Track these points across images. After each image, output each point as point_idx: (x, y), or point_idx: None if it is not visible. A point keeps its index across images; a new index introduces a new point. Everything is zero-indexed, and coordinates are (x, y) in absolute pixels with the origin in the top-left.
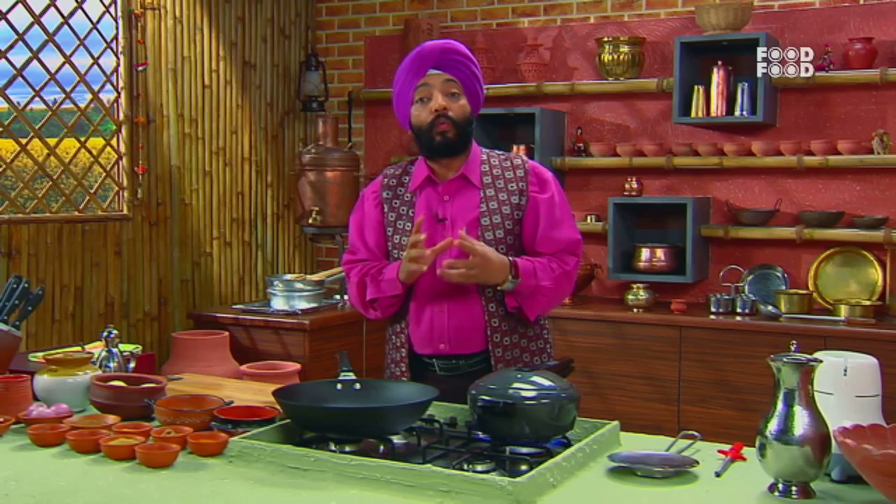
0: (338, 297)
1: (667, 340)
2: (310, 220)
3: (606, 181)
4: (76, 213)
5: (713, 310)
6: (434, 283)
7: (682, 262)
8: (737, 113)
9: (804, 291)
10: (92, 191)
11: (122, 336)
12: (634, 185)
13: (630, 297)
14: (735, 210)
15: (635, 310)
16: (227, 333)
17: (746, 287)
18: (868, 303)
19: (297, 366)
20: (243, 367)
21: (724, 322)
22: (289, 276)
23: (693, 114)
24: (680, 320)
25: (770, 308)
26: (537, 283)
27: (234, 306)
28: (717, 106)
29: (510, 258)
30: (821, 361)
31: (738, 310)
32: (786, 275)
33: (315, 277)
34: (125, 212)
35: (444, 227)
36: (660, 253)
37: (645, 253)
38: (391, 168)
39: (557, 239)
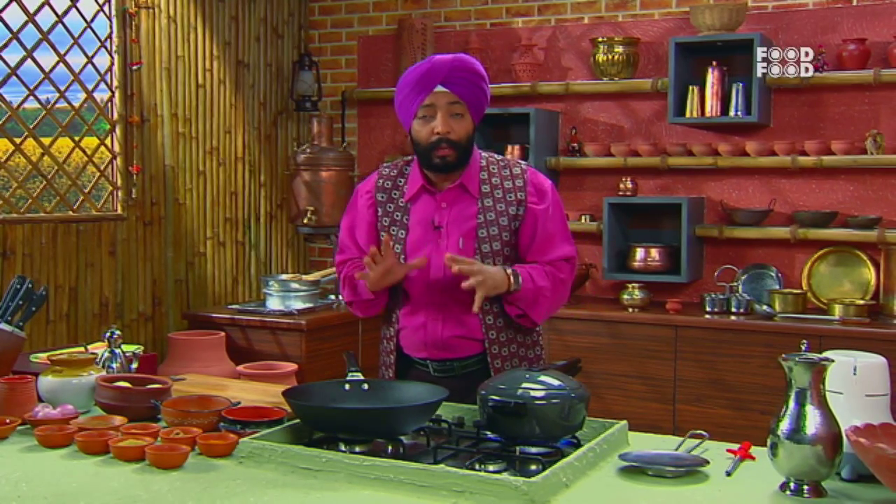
0: (333, 297)
1: (662, 340)
2: (305, 220)
3: (601, 181)
4: (70, 212)
5: (708, 309)
6: (428, 291)
7: (677, 262)
8: (731, 113)
9: (798, 291)
10: (86, 190)
11: None
12: (629, 185)
13: (625, 296)
14: (729, 210)
15: (630, 309)
16: (223, 334)
17: (741, 287)
18: (862, 302)
19: (294, 366)
20: (240, 368)
21: (719, 321)
22: (284, 276)
23: (687, 114)
24: (675, 320)
25: (765, 307)
26: (535, 284)
27: (230, 306)
28: (711, 106)
29: (503, 266)
30: (832, 361)
31: (733, 309)
32: (780, 274)
33: (311, 277)
34: (119, 211)
35: (439, 235)
36: (654, 253)
37: (640, 253)
38: (387, 167)
39: (553, 252)
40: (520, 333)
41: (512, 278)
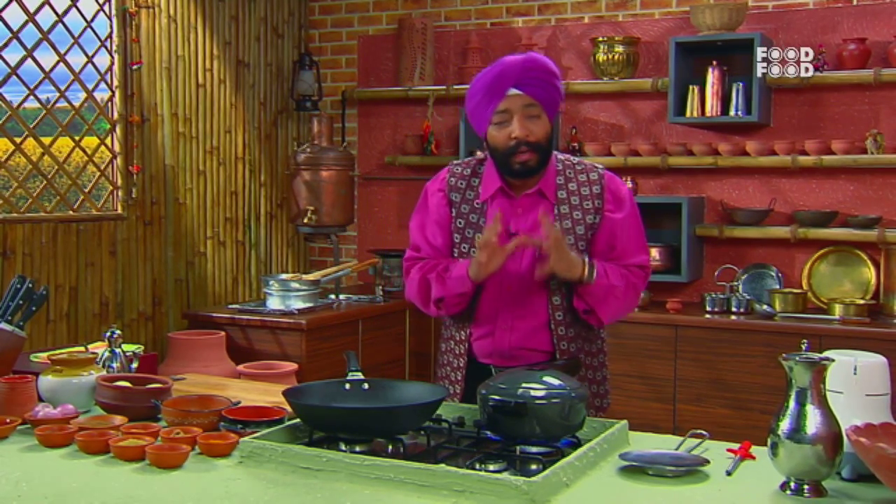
0: (333, 296)
1: (662, 339)
2: (305, 220)
3: None
4: (71, 212)
5: (708, 309)
6: (500, 299)
7: (677, 262)
8: (731, 113)
9: (798, 291)
10: (86, 190)
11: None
12: (629, 185)
13: None
14: (729, 209)
15: None
16: (223, 333)
17: (741, 286)
18: (862, 302)
19: (294, 366)
20: (240, 367)
21: (719, 321)
22: (285, 276)
23: (688, 114)
24: (675, 319)
25: (765, 307)
26: (609, 281)
27: (230, 306)
28: (711, 106)
29: (583, 256)
30: (833, 360)
31: (733, 309)
32: (780, 274)
33: (311, 277)
34: (119, 211)
35: None
36: (655, 252)
37: None
38: (458, 166)
39: (625, 260)
40: (586, 343)
41: (587, 268)
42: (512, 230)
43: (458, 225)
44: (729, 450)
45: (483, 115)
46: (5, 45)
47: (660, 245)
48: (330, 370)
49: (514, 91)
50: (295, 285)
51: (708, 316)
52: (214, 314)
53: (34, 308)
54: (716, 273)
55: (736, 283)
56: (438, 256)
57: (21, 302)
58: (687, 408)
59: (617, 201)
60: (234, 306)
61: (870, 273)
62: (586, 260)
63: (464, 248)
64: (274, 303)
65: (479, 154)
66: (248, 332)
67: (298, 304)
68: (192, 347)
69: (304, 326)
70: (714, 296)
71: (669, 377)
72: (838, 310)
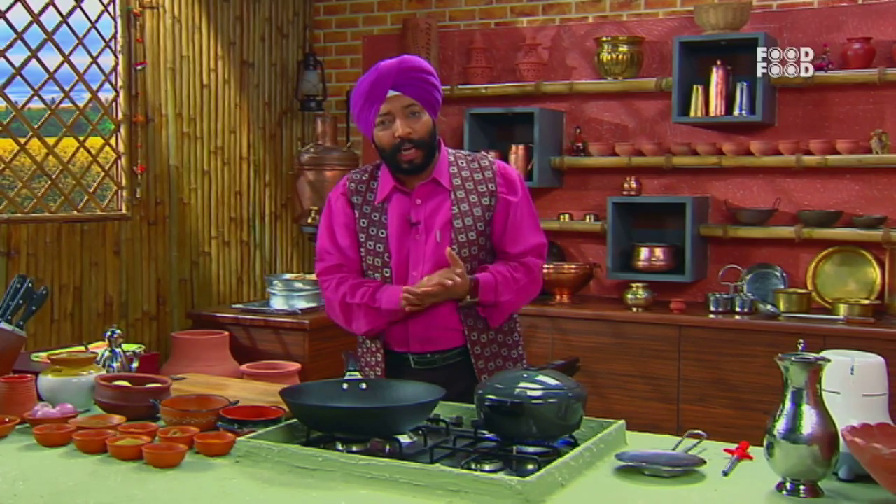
0: None
1: (666, 340)
2: (309, 220)
3: (605, 180)
4: (75, 212)
5: (712, 309)
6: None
7: (681, 262)
8: (735, 112)
9: (803, 291)
10: (91, 190)
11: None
12: (633, 185)
13: (629, 296)
14: (734, 209)
15: (634, 309)
16: (226, 333)
17: (745, 286)
18: (867, 302)
19: (297, 365)
20: (243, 367)
21: (723, 321)
22: (288, 276)
23: (692, 113)
24: (679, 319)
25: (769, 307)
26: (496, 298)
27: (234, 306)
28: (715, 105)
29: (473, 277)
30: (829, 360)
31: (738, 309)
32: (784, 274)
33: (314, 277)
34: (124, 211)
35: (417, 231)
36: (659, 252)
37: (644, 252)
38: (356, 173)
39: (525, 242)
40: (500, 333)
41: (468, 296)
42: (413, 220)
43: (362, 224)
44: (726, 450)
45: (367, 118)
46: (10, 45)
47: (664, 245)
48: (333, 370)
49: (393, 93)
50: (299, 285)
51: (712, 316)
52: (218, 314)
53: (34, 308)
54: (720, 273)
55: (740, 283)
56: (346, 260)
57: (21, 302)
58: (690, 408)
59: (509, 185)
60: (237, 306)
61: (874, 273)
62: (474, 282)
63: (369, 245)
64: (278, 303)
65: (377, 161)
66: (251, 332)
67: (302, 304)
68: (195, 347)
69: (308, 326)
70: (718, 296)
71: (673, 377)
72: (843, 310)
